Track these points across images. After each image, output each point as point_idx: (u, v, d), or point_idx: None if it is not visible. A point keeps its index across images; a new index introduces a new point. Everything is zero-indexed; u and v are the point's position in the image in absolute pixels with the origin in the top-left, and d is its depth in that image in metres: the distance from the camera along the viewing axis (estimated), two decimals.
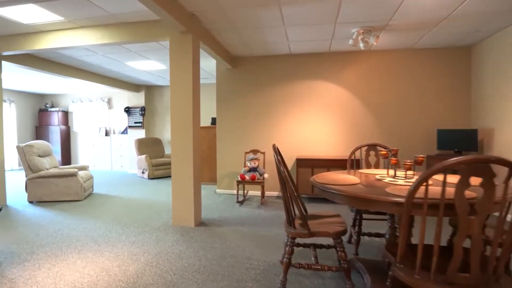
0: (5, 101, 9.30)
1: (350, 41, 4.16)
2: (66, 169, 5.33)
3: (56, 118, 9.93)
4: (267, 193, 5.62)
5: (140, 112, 8.69)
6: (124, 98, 9.67)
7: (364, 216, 4.27)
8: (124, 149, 9.23)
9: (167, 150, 8.93)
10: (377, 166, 3.17)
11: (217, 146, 5.83)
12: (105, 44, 4.16)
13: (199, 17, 3.80)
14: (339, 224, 2.22)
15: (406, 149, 5.14)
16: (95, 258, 2.86)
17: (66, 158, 10.09)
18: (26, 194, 5.58)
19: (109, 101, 9.80)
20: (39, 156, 5.20)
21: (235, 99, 5.71)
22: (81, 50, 5.14)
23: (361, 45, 4.16)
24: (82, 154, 9.66)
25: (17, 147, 5.05)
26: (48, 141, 9.95)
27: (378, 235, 2.84)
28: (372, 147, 3.19)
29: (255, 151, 5.19)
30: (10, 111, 9.54)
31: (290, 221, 2.18)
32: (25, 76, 7.15)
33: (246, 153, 5.28)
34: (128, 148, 8.98)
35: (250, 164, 5.03)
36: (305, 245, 2.55)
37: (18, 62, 5.23)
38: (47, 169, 5.26)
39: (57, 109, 9.92)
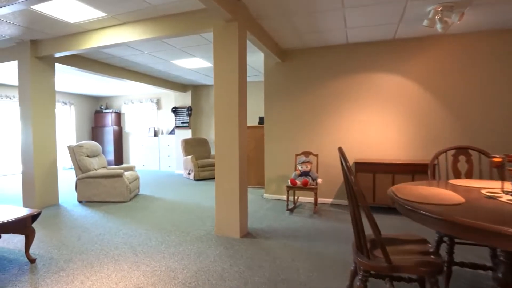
0: (65, 103, 9.84)
1: (425, 22, 3.45)
2: (113, 170, 5.27)
3: (109, 119, 10.28)
4: (320, 200, 5.05)
5: (187, 112, 8.60)
6: (172, 98, 9.69)
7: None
8: (171, 150, 9.24)
9: (214, 151, 8.73)
10: (469, 175, 2.48)
11: (265, 148, 5.40)
12: (149, 40, 3.94)
13: (246, 3, 3.39)
14: (430, 255, 1.63)
15: (498, 153, 4.24)
16: (130, 271, 2.58)
17: (119, 157, 10.41)
18: (76, 194, 5.65)
19: (157, 102, 9.90)
20: (88, 156, 5.21)
21: (284, 96, 5.23)
22: (128, 49, 5.04)
23: (439, 26, 3.43)
24: (133, 154, 9.88)
25: (68, 147, 5.10)
26: (102, 141, 10.35)
27: (476, 266, 2.16)
28: (461, 150, 2.51)
29: (307, 153, 4.66)
30: (70, 113, 10.07)
31: (361, 248, 1.65)
32: (82, 79, 7.40)
33: (297, 155, 4.77)
34: (175, 149, 8.95)
35: (302, 167, 4.51)
36: (377, 276, 1.99)
37: (70, 64, 5.30)
38: (96, 170, 5.25)
39: (110, 110, 10.28)
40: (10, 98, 8.40)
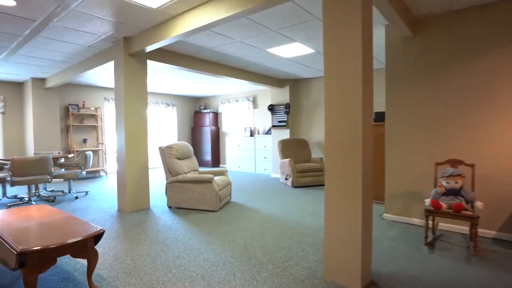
0: (168, 105, 10.17)
1: None
2: (202, 174, 4.72)
3: (207, 119, 10.23)
4: (480, 232, 3.44)
5: (285, 110, 7.73)
6: (268, 95, 8.99)
7: None
8: (268, 151, 8.52)
9: (314, 154, 7.64)
10: None
11: (387, 152, 4.06)
12: (238, 17, 3.14)
13: None
14: None
15: None
16: None
17: (216, 158, 10.28)
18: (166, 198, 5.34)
19: (253, 100, 9.35)
20: (178, 158, 4.79)
21: (416, 83, 3.80)
22: (217, 37, 4.40)
23: None
24: (229, 154, 9.57)
25: (159, 148, 4.77)
26: (200, 141, 10.37)
27: None
28: None
29: (455, 162, 3.18)
30: (172, 114, 10.39)
31: None
32: (182, 80, 7.31)
33: (439, 164, 3.31)
34: (272, 150, 8.19)
35: (448, 183, 3.06)
36: None
37: (161, 60, 4.98)
38: (185, 173, 4.79)
39: (208, 110, 10.22)
40: None
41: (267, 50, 5.10)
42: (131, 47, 4.43)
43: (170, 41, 3.95)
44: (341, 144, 2.33)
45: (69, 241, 2.10)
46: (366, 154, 2.29)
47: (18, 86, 7.73)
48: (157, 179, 7.69)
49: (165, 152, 4.70)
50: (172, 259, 2.85)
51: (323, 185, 6.62)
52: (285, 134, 7.85)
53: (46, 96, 7.39)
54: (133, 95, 4.62)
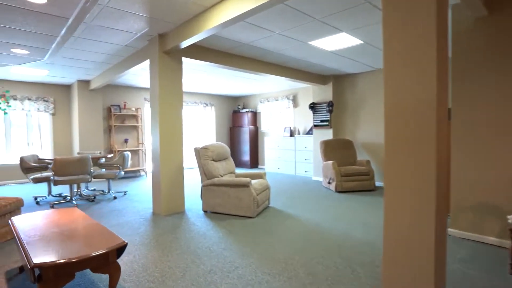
0: (206, 104, 10.08)
1: None
2: (239, 178, 4.43)
3: (246, 118, 9.99)
4: None
5: (327, 108, 7.21)
6: (309, 93, 8.51)
7: None
8: (309, 152, 8.04)
9: (360, 156, 7.03)
10: None
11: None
12: (277, 4, 2.78)
13: None
14: None
15: None
16: None
17: (254, 159, 9.99)
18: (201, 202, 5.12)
19: (294, 99, 8.91)
20: (213, 160, 4.54)
21: (491, 74, 3.16)
22: (255, 30, 4.07)
23: None
24: (268, 155, 9.23)
25: (194, 149, 4.55)
26: (239, 141, 10.15)
27: None
28: None
29: None
30: (211, 114, 10.29)
31: None
32: (220, 79, 7.12)
33: None
34: (313, 151, 7.71)
35: None
36: None
37: (197, 57, 4.77)
38: (221, 176, 4.52)
39: (247, 110, 9.96)
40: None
41: (309, 43, 4.67)
42: (166, 44, 4.26)
43: (206, 35, 3.69)
44: (408, 145, 1.86)
45: (89, 255, 1.88)
46: (440, 157, 1.80)
47: (66, 88, 8.05)
48: (194, 180, 7.57)
49: (200, 153, 4.48)
50: (203, 273, 2.56)
51: (370, 190, 6.03)
52: (327, 134, 7.33)
53: (91, 97, 7.59)
54: (168, 93, 4.45)
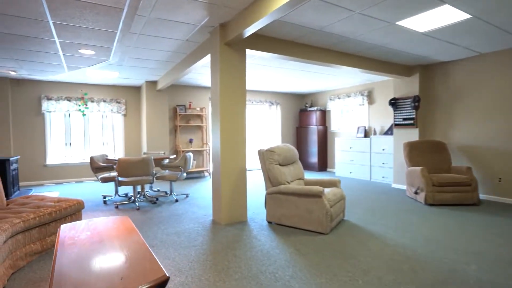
0: (272, 103, 9.58)
1: None
2: (310, 186, 3.78)
3: (314, 117, 9.24)
4: None
5: (412, 104, 6.11)
6: (388, 88, 7.42)
7: None
8: (387, 155, 6.99)
9: (456, 161, 5.79)
10: None
11: None
12: None
13: None
14: None
15: None
16: None
17: (323, 161, 9.19)
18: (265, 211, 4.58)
19: (369, 95, 7.90)
20: (279, 164, 3.96)
21: None
22: (330, 11, 3.39)
23: None
24: (339, 158, 8.35)
25: (258, 152, 4.03)
26: (306, 142, 9.45)
27: None
28: None
29: None
30: (277, 113, 9.77)
31: None
32: (287, 74, 6.55)
33: None
34: (393, 154, 6.65)
35: None
36: None
37: (262, 49, 4.25)
38: (288, 182, 3.92)
39: (315, 108, 9.20)
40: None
41: (397, 23, 3.81)
42: (227, 35, 3.82)
43: (271, 18, 3.13)
44: None
45: None
46: None
47: (136, 90, 8.29)
48: (257, 183, 7.11)
49: (265, 157, 3.94)
50: None
51: (472, 204, 4.85)
52: (412, 134, 6.22)
53: (157, 98, 7.66)
54: (230, 89, 4.01)
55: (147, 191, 6.06)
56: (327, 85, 8.26)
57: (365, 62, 5.44)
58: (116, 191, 5.67)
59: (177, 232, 3.70)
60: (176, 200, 5.37)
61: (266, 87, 8.69)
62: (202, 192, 6.17)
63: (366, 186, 6.63)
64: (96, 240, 2.13)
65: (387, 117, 7.44)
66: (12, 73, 5.62)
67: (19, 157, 6.02)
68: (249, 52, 4.28)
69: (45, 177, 7.41)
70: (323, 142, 9.22)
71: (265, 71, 6.41)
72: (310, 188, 3.55)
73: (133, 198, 5.21)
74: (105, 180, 5.28)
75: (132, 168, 4.76)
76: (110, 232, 2.29)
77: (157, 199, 5.47)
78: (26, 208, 3.12)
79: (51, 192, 6.38)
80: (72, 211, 3.38)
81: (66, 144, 7.69)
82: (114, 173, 5.58)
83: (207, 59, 4.57)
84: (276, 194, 3.84)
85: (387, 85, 7.46)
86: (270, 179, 3.90)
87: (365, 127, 7.85)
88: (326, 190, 3.83)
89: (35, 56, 4.53)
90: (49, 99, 7.33)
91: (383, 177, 7.10)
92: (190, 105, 8.16)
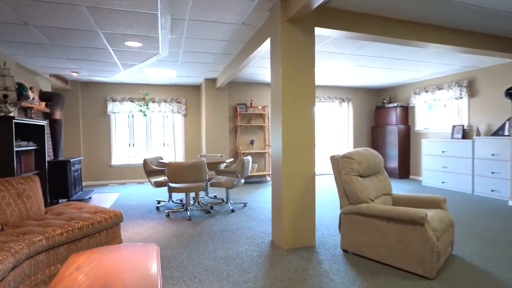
0: (342, 100, 8.45)
1: None
2: (405, 208, 2.75)
3: (393, 115, 7.85)
4: None
5: None
6: (497, 76, 5.78)
7: None
8: (500, 163, 5.40)
9: None
10: None
11: None
12: None
13: None
14: None
15: None
16: None
17: (404, 167, 7.75)
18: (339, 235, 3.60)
19: (470, 85, 6.31)
20: (360, 176, 2.98)
21: None
22: None
23: None
24: (427, 164, 6.87)
25: (331, 158, 3.11)
26: (383, 143, 8.10)
27: None
28: None
29: None
30: (348, 111, 8.61)
31: None
32: (363, 64, 5.47)
33: None
34: (511, 161, 5.06)
35: None
36: None
37: (335, 27, 3.33)
38: (372, 200, 2.93)
39: (395, 104, 7.82)
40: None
41: None
42: (290, 8, 2.98)
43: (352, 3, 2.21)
44: None
45: None
46: None
47: (196, 89, 7.95)
48: (326, 192, 6.11)
49: (340, 165, 3.01)
50: None
51: None
52: None
53: (217, 96, 7.17)
54: (295, 80, 3.18)
55: (202, 198, 5.54)
56: (411, 75, 6.87)
57: (473, 39, 4.10)
58: (170, 197, 5.25)
59: (227, 256, 2.99)
60: (233, 210, 4.71)
61: (336, 81, 7.62)
62: (262, 201, 5.42)
63: (471, 203, 5.17)
64: (107, 283, 1.48)
65: (497, 113, 5.80)
66: (74, 74, 5.60)
67: (82, 157, 6.02)
68: (318, 32, 3.39)
69: (110, 177, 7.47)
70: (404, 144, 7.78)
71: (336, 60, 5.40)
72: (406, 211, 2.52)
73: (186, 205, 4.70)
74: (158, 184, 4.87)
75: (183, 173, 4.22)
76: (120, 275, 1.64)
77: (211, 207, 4.89)
78: (59, 220, 2.71)
79: (112, 193, 6.29)
80: (108, 225, 2.89)
81: (129, 144, 7.68)
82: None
83: (267, 45, 3.80)
84: (355, 215, 2.89)
85: (495, 72, 5.82)
86: (347, 195, 2.96)
87: (463, 126, 6.29)
88: (429, 213, 2.74)
89: (86, 53, 4.28)
90: (113, 100, 7.36)
91: (492, 190, 5.51)
92: (251, 103, 7.52)
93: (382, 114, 8.24)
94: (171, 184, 4.35)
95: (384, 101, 8.34)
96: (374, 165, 3.17)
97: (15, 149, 3.91)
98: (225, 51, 4.86)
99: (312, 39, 3.25)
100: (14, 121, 3.67)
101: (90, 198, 5.74)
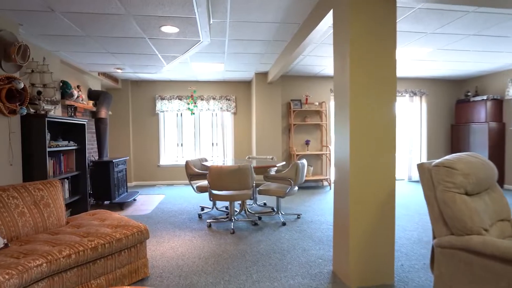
0: (414, 93, 7.20)
1: None
2: None
3: (481, 110, 6.43)
4: None
5: None
6: None
7: None
8: None
9: None
10: None
11: None
12: None
13: None
14: None
15: None
16: None
17: (498, 174, 6.27)
18: (430, 274, 2.66)
19: None
20: (466, 193, 2.05)
21: None
22: None
23: None
24: None
25: (420, 167, 2.21)
26: (467, 145, 6.72)
27: None
28: None
29: None
30: (421, 106, 7.33)
31: None
32: (447, 46, 4.37)
33: None
34: None
35: None
36: None
37: None
38: (486, 230, 1.98)
39: (483, 97, 6.39)
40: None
41: None
42: None
43: None
44: None
45: None
46: None
47: (247, 85, 7.39)
48: (397, 201, 5.07)
49: (435, 177, 2.11)
50: None
51: None
52: None
53: (268, 92, 6.51)
54: (367, 67, 2.36)
55: (250, 205, 4.92)
56: (509, 60, 5.45)
57: None
58: (214, 203, 4.72)
59: None
60: (284, 224, 3.99)
61: (406, 71, 6.45)
62: (319, 212, 4.62)
63: None
64: None
65: None
66: (119, 71, 5.37)
67: (127, 158, 5.80)
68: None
69: (158, 178, 7.26)
70: (497, 145, 6.31)
71: (412, 43, 4.36)
72: None
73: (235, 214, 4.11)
74: (201, 190, 4.36)
75: (226, 179, 3.62)
76: None
77: (259, 218, 4.24)
78: (73, 236, 2.26)
79: (158, 195, 5.99)
80: (130, 243, 2.39)
81: (177, 144, 7.40)
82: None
83: (327, 21, 3.01)
84: (460, 252, 1.98)
85: None
86: (446, 219, 2.05)
87: None
88: None
89: (123, 44, 3.92)
90: (162, 98, 7.13)
91: None
92: (306, 99, 6.71)
93: (466, 110, 6.82)
94: (213, 191, 3.79)
95: (469, 93, 6.90)
96: (486, 177, 2.20)
97: (53, 149, 3.67)
98: (276, 37, 4.16)
99: (393, 10, 2.40)
100: (47, 119, 3.40)
101: (134, 200, 5.48)
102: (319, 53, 4.99)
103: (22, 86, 3.10)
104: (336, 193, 2.58)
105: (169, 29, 3.32)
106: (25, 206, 2.41)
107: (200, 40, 3.71)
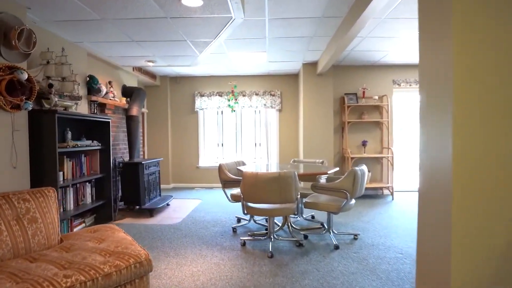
0: None
1: None
2: None
3: None
4: None
5: None
6: None
7: None
8: None
9: None
10: None
11: None
12: None
13: None
14: None
15: None
16: None
17: None
18: None
19: None
20: None
21: None
22: None
23: None
24: None
25: None
26: None
27: None
28: None
29: None
30: None
31: None
32: None
33: None
34: None
35: None
36: None
37: None
38: None
39: None
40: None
41: None
42: None
43: None
44: None
45: None
46: None
47: (293, 78, 6.58)
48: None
49: None
50: None
51: None
52: None
53: (318, 85, 5.63)
54: (484, 37, 1.44)
55: (294, 218, 4.12)
56: None
57: None
58: (252, 216, 4.01)
59: None
60: (336, 247, 3.13)
61: None
62: (383, 231, 3.65)
63: None
64: None
65: None
66: (150, 64, 4.91)
67: (161, 159, 5.36)
68: None
69: (197, 180, 6.77)
70: None
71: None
72: None
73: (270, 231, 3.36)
74: (236, 199, 3.67)
75: (263, 189, 2.88)
76: None
77: (305, 237, 3.42)
78: (50, 266, 1.70)
79: (193, 199, 5.47)
80: (123, 279, 1.75)
81: (218, 144, 6.85)
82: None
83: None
84: None
85: None
86: None
87: None
88: None
89: (144, 28, 3.36)
90: (201, 95, 6.63)
91: None
92: (363, 92, 5.70)
93: None
94: (248, 203, 3.07)
95: None
96: None
97: (70, 149, 3.26)
98: (328, 12, 3.31)
99: None
100: (58, 115, 2.97)
101: (168, 205, 4.99)
102: (381, 33, 4.02)
103: (26, 77, 2.67)
104: (422, 216, 1.69)
105: (190, 1, 2.66)
106: (3, 222, 1.90)
107: (231, 17, 3.02)
